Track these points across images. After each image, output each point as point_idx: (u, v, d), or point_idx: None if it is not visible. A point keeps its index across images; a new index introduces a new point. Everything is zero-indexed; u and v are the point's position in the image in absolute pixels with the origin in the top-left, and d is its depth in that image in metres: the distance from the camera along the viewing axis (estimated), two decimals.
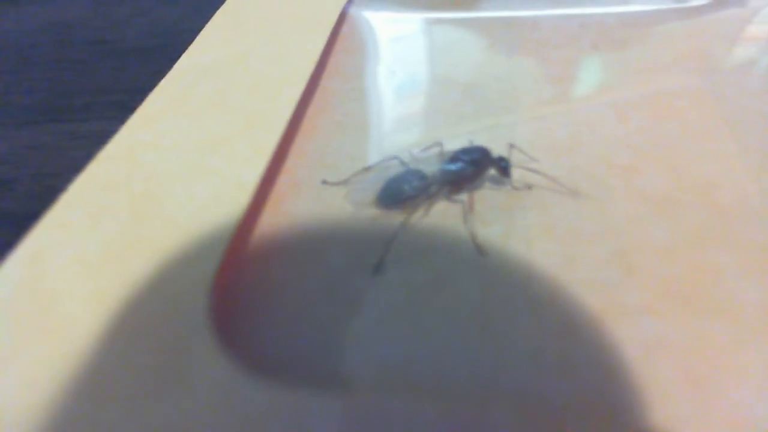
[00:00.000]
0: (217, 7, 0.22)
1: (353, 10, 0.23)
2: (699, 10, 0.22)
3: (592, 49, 0.21)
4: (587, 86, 0.19)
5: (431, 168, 0.14)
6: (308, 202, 0.14)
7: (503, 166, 0.14)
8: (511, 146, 0.14)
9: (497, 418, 0.09)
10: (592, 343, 0.11)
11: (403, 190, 0.13)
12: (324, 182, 0.15)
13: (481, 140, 0.15)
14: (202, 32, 0.20)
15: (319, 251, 0.13)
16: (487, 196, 0.14)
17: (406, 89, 0.20)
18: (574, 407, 0.10)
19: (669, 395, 0.10)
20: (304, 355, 0.11)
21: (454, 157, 0.14)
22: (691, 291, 0.12)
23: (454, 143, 0.15)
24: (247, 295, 0.12)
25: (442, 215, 0.14)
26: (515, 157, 0.14)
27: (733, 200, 0.14)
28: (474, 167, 0.14)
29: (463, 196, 0.14)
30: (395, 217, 0.13)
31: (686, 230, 0.13)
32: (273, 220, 0.14)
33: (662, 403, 0.10)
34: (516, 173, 0.14)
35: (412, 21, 0.23)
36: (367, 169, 0.15)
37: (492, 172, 0.14)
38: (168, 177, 0.14)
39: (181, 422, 0.09)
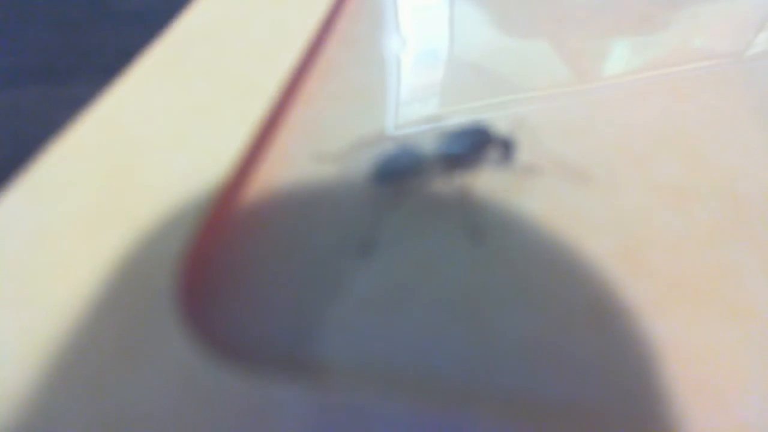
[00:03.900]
0: None
1: None
2: None
3: (614, 25, 0.20)
4: (606, 66, 0.18)
5: (428, 147, 0.13)
6: (297, 177, 0.14)
7: (506, 148, 0.13)
8: (518, 127, 0.14)
9: (485, 418, 0.09)
10: (593, 341, 0.10)
11: (396, 170, 0.13)
12: (315, 156, 0.14)
13: (488, 120, 0.14)
14: None
15: (304, 229, 0.12)
16: (486, 179, 0.13)
17: (414, 62, 0.19)
18: (570, 409, 0.09)
19: (674, 402, 0.09)
20: (276, 339, 0.10)
21: (454, 136, 0.13)
22: (704, 291, 0.11)
23: (457, 121, 0.15)
24: (222, 272, 0.11)
25: (436, 198, 0.13)
26: (520, 139, 0.14)
27: (753, 193, 0.13)
28: (474, 148, 0.13)
29: (461, 179, 0.13)
30: (387, 197, 0.13)
31: (701, 224, 0.12)
32: (257, 194, 0.13)
33: (666, 410, 0.09)
34: (519, 156, 0.13)
35: None
36: (361, 144, 0.14)
37: (494, 153, 0.14)
38: (147, 145, 0.13)
39: (138, 404, 0.09)
